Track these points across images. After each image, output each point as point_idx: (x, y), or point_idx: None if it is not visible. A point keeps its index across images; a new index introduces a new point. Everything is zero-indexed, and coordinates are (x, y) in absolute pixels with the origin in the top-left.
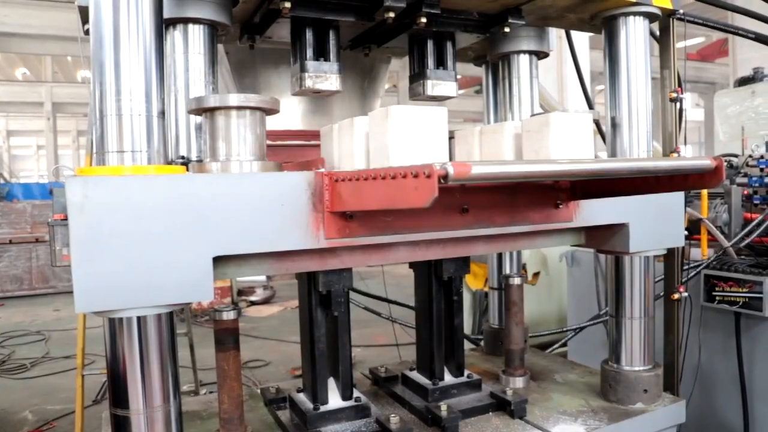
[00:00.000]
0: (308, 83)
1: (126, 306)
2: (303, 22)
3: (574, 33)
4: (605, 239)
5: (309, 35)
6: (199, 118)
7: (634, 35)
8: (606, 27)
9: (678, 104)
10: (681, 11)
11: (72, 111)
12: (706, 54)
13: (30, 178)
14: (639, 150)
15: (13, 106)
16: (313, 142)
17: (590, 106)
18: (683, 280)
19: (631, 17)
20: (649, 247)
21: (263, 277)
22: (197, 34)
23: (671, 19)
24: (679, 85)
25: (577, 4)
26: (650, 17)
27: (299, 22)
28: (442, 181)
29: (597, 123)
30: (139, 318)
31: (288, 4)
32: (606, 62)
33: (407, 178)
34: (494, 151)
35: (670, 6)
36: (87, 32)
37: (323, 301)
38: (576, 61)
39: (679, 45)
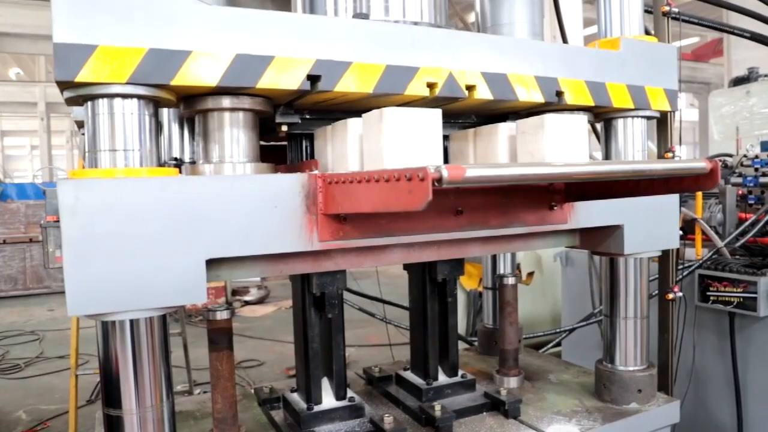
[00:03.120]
0: None
1: (118, 309)
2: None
3: None
4: (600, 241)
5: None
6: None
7: (632, 132)
8: (606, 124)
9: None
10: (676, 10)
11: (66, 111)
12: (700, 54)
13: (24, 178)
14: (634, 150)
15: (7, 106)
16: None
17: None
18: (677, 279)
19: (630, 119)
20: (643, 249)
21: (257, 278)
22: None
23: (667, 19)
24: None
25: (581, 109)
26: (648, 118)
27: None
28: (436, 184)
29: (592, 124)
30: (131, 320)
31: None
32: (603, 151)
33: (401, 180)
34: (489, 153)
35: (668, 109)
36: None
37: (317, 302)
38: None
39: (674, 44)
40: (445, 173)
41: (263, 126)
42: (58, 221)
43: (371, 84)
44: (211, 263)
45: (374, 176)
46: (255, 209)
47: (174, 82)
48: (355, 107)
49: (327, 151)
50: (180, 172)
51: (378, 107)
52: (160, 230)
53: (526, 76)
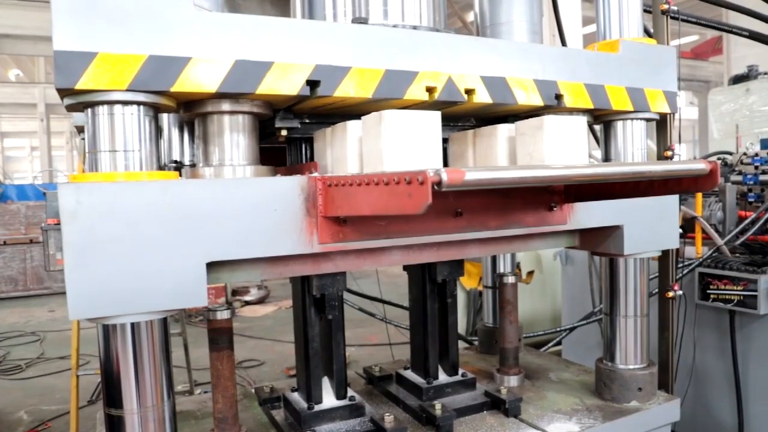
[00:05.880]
0: None
1: (119, 312)
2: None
3: None
4: (599, 241)
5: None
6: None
7: (632, 134)
8: (605, 125)
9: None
10: (675, 8)
11: (66, 112)
12: (699, 52)
13: (24, 179)
14: (633, 151)
15: (6, 107)
16: None
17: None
18: (677, 278)
19: (629, 121)
20: (643, 249)
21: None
22: None
23: (666, 18)
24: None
25: (581, 111)
26: (648, 120)
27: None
28: (435, 187)
29: (591, 125)
30: (132, 323)
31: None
32: (603, 152)
33: (401, 184)
34: (488, 154)
35: (668, 111)
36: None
37: (317, 303)
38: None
39: (673, 43)
40: (444, 177)
41: (263, 129)
42: (58, 224)
43: (371, 89)
44: (212, 266)
45: (374, 179)
46: (255, 212)
47: (174, 89)
48: (354, 112)
49: (327, 153)
50: (180, 175)
51: (377, 111)
52: (160, 233)
53: (525, 79)
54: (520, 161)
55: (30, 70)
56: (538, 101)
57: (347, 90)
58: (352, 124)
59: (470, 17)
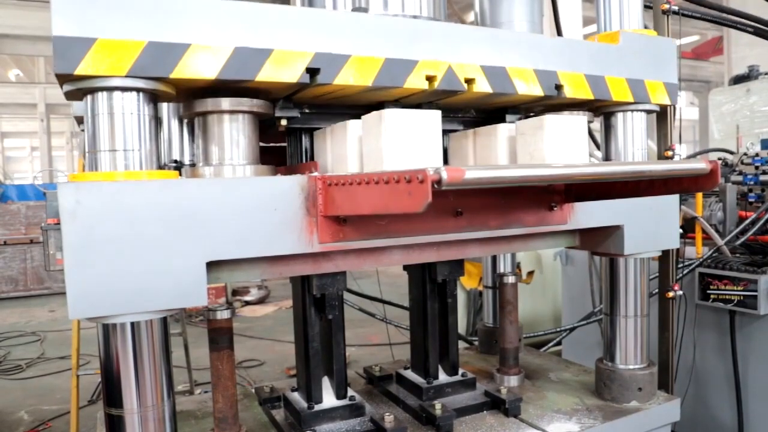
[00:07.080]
0: None
1: (119, 312)
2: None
3: None
4: (600, 241)
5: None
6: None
7: (632, 127)
8: (606, 119)
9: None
10: (675, 8)
11: (66, 112)
12: (700, 52)
13: (24, 179)
14: (634, 148)
15: (7, 107)
16: None
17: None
18: (678, 278)
19: (630, 113)
20: (643, 249)
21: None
22: None
23: (667, 17)
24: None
25: (581, 103)
26: (648, 112)
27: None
28: (435, 186)
29: (590, 130)
30: (132, 322)
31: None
32: (603, 148)
33: (401, 183)
34: (489, 154)
35: (668, 102)
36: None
37: (317, 303)
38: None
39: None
40: (444, 175)
41: (263, 121)
42: (58, 223)
43: (370, 77)
44: (211, 265)
45: (374, 178)
46: (255, 211)
47: (173, 75)
48: (354, 101)
49: (327, 152)
50: (180, 174)
51: (377, 100)
52: (160, 233)
53: (526, 69)
54: (521, 161)
55: (30, 70)
56: (538, 91)
57: (347, 78)
58: (352, 123)
59: (470, 17)
